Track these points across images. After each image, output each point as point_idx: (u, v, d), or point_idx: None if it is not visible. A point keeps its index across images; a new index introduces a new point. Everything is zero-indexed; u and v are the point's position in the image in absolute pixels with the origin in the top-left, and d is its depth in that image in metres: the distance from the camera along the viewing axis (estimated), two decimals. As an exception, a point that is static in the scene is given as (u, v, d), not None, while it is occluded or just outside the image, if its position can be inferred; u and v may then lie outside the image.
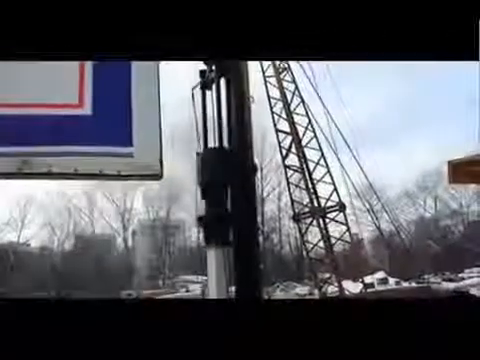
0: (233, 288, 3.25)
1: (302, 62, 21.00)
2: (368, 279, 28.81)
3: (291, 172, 24.09)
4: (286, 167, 24.18)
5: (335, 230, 24.36)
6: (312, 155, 23.80)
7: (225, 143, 3.38)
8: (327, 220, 23.72)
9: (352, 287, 24.66)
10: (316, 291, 25.62)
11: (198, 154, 3.47)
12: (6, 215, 51.21)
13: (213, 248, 3.25)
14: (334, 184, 23.62)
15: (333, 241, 23.89)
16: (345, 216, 24.04)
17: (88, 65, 3.03)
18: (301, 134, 23.64)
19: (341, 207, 23.64)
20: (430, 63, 2.88)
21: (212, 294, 3.27)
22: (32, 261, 50.01)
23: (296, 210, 24.49)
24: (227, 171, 3.29)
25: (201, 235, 3.38)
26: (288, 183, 24.35)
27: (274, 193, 50.47)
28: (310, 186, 23.68)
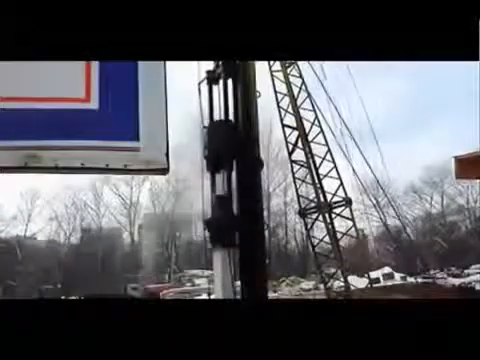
0: (239, 288, 3.27)
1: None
2: (374, 274, 28.78)
3: (297, 167, 24.05)
4: (292, 162, 24.14)
5: (341, 225, 24.33)
6: (318, 150, 23.76)
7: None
8: (333, 215, 23.68)
9: (358, 282, 24.64)
10: (321, 286, 25.62)
11: (205, 127, 3.49)
12: (13, 209, 51.53)
13: (219, 249, 3.27)
14: (340, 179, 23.58)
15: (339, 236, 23.86)
16: (351, 211, 24.01)
17: (95, 60, 3.04)
18: (307, 129, 23.59)
19: (347, 202, 23.60)
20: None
21: (218, 294, 3.29)
22: (38, 254, 50.20)
23: (302, 205, 24.47)
24: (233, 144, 3.30)
25: (208, 236, 3.40)
26: (294, 178, 24.31)
27: (280, 188, 50.49)
28: (316, 181, 23.64)
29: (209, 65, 3.63)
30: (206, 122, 3.53)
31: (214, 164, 3.36)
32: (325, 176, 23.80)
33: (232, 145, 3.31)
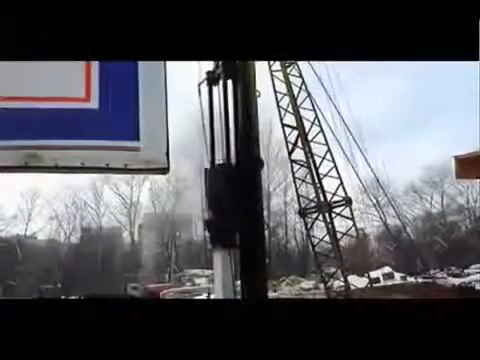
0: (239, 288, 3.27)
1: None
2: (374, 274, 28.79)
3: (297, 167, 24.06)
4: (292, 162, 24.15)
5: (341, 225, 24.34)
6: (318, 150, 23.76)
7: (232, 158, 3.41)
8: (333, 215, 23.69)
9: (358, 282, 24.64)
10: (321, 286, 25.63)
11: (206, 170, 3.51)
12: (13, 208, 51.55)
13: (219, 249, 3.27)
14: (340, 179, 23.59)
15: (339, 236, 23.87)
16: (351, 211, 24.02)
17: (95, 59, 3.03)
18: (307, 129, 23.60)
19: (347, 202, 23.62)
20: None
21: (218, 294, 3.29)
22: (39, 254, 50.24)
23: (302, 204, 24.47)
24: (234, 189, 3.31)
25: (208, 236, 3.40)
26: (294, 177, 24.31)
27: (280, 188, 50.50)
28: (316, 181, 23.65)
29: (209, 65, 3.63)
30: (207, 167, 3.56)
31: (215, 209, 3.38)
32: (325, 176, 23.80)
33: (233, 190, 3.32)
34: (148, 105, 3.06)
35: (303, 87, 23.44)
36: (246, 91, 3.39)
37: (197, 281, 41.57)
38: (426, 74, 55.67)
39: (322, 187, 23.78)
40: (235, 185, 3.32)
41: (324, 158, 23.67)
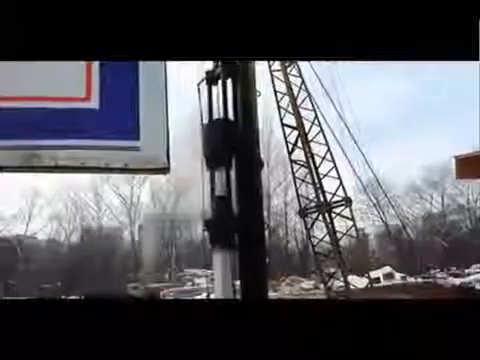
0: (239, 288, 3.27)
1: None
2: (374, 274, 28.82)
3: (297, 166, 24.09)
4: (292, 162, 24.18)
5: (341, 225, 24.37)
6: (318, 150, 23.80)
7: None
8: (333, 215, 23.72)
9: (358, 282, 24.66)
10: (321, 286, 25.65)
11: (203, 126, 3.47)
12: (14, 208, 51.51)
13: (219, 249, 3.26)
14: (340, 179, 23.63)
15: (339, 236, 23.90)
16: (351, 211, 24.06)
17: (95, 59, 3.03)
18: (307, 128, 23.62)
19: (347, 202, 23.65)
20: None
21: (218, 294, 3.28)
22: (39, 253, 50.30)
23: (302, 205, 24.50)
24: (232, 141, 3.29)
25: (207, 236, 3.39)
26: (294, 178, 24.36)
27: (280, 188, 50.52)
28: (316, 181, 23.68)
29: (209, 65, 3.62)
30: (205, 122, 3.51)
31: (213, 161, 3.35)
32: (325, 176, 23.85)
33: (231, 142, 3.29)
34: (148, 105, 3.06)
35: (303, 87, 23.48)
36: (246, 91, 3.38)
37: (197, 281, 41.58)
38: (426, 74, 55.69)
39: (322, 187, 23.84)
40: (233, 138, 3.30)
41: (324, 158, 23.72)
